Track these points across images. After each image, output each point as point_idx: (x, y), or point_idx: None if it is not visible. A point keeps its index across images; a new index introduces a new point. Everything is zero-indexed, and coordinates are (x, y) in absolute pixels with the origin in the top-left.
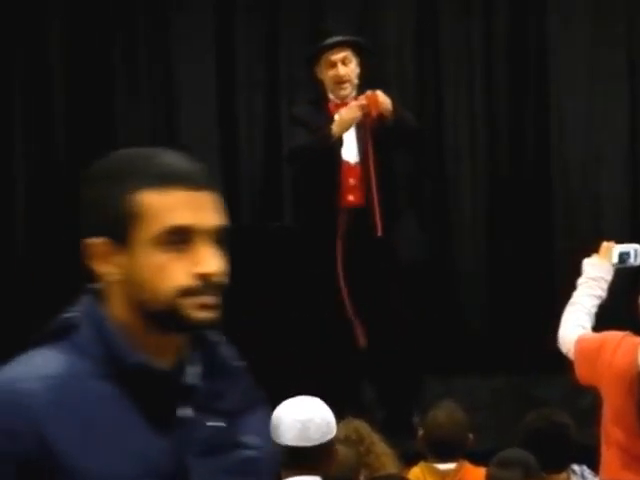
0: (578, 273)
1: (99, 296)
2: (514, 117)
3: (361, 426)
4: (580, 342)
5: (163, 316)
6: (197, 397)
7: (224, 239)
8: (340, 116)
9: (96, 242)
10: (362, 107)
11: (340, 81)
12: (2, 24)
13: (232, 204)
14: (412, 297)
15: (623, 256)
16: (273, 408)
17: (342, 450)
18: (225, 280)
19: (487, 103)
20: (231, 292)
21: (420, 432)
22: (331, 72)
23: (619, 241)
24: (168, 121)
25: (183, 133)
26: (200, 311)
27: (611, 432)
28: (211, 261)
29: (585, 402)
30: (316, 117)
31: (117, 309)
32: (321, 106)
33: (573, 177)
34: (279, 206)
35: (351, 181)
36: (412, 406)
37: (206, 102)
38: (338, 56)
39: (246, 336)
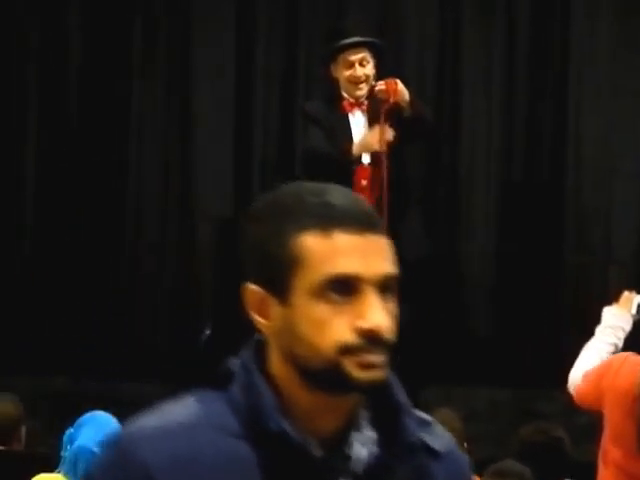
0: (586, 288)
1: (259, 346)
2: (531, 124)
3: None
4: (586, 372)
5: (322, 375)
6: (362, 469)
7: (393, 290)
8: (365, 140)
9: (253, 289)
10: (380, 92)
11: (357, 81)
12: (19, 8)
13: (245, 193)
14: (416, 304)
15: None
16: None
17: None
18: (393, 336)
19: (505, 109)
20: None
21: None
22: (348, 72)
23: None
24: (183, 112)
25: (198, 121)
26: (364, 371)
27: (609, 451)
28: (378, 315)
29: (583, 419)
30: (329, 115)
31: (274, 363)
32: (335, 104)
33: (586, 189)
34: None
35: (363, 182)
36: None
37: (223, 93)
38: (357, 57)
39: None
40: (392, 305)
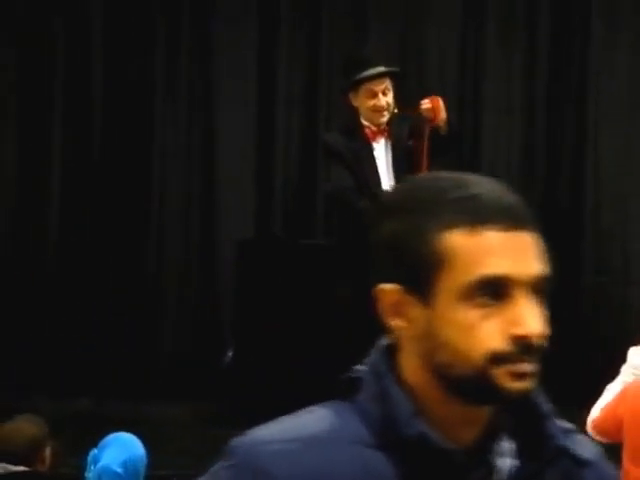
0: (604, 309)
1: (390, 351)
2: (552, 145)
3: None
4: (601, 406)
5: (468, 384)
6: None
7: (544, 292)
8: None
9: (389, 289)
10: (426, 110)
11: (381, 110)
12: (46, 36)
13: (265, 218)
14: None
15: None
16: None
17: None
18: (546, 343)
19: (525, 129)
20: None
21: None
22: (372, 102)
23: None
24: (205, 135)
25: (220, 145)
26: (515, 381)
27: (631, 471)
28: (531, 320)
29: None
30: (351, 145)
31: (409, 369)
32: (355, 133)
33: (606, 211)
34: (311, 223)
35: None
36: None
37: (244, 116)
38: (380, 87)
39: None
40: (543, 308)
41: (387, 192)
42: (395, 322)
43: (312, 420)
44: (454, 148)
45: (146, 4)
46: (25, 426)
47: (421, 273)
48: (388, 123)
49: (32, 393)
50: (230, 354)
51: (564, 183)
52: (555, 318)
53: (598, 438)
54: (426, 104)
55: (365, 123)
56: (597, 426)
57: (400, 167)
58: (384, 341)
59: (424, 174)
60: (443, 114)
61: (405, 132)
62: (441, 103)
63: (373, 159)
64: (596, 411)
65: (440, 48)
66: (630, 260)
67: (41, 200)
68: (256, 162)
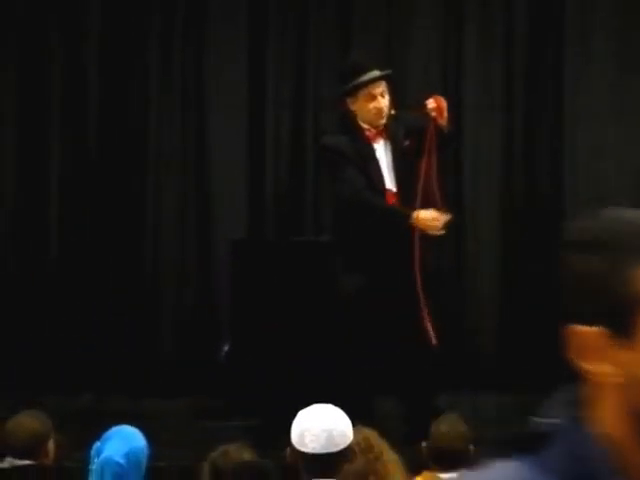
0: None
1: (581, 400)
2: (530, 143)
3: (371, 434)
4: None
5: None
6: None
7: None
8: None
9: (588, 331)
10: (432, 110)
11: (381, 112)
12: (39, 45)
13: (257, 219)
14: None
15: None
16: (293, 415)
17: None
18: None
19: (505, 133)
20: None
21: (424, 443)
22: (371, 104)
23: None
24: (197, 138)
25: (212, 147)
26: None
27: None
28: None
29: None
30: (354, 145)
31: (607, 420)
32: (355, 135)
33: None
34: (302, 221)
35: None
36: (431, 414)
37: (236, 119)
38: (378, 90)
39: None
40: None
41: (576, 225)
42: (596, 367)
43: (496, 476)
44: (451, 147)
45: (141, 8)
46: (27, 421)
47: (625, 315)
48: (385, 125)
49: (36, 390)
50: (226, 349)
51: (543, 181)
52: (539, 302)
53: None
54: (431, 103)
55: (364, 126)
56: None
57: (400, 167)
58: (572, 389)
59: (608, 210)
60: (446, 113)
61: (401, 133)
62: (444, 103)
63: (376, 159)
64: None
65: (424, 50)
66: None
67: (39, 200)
68: (248, 163)
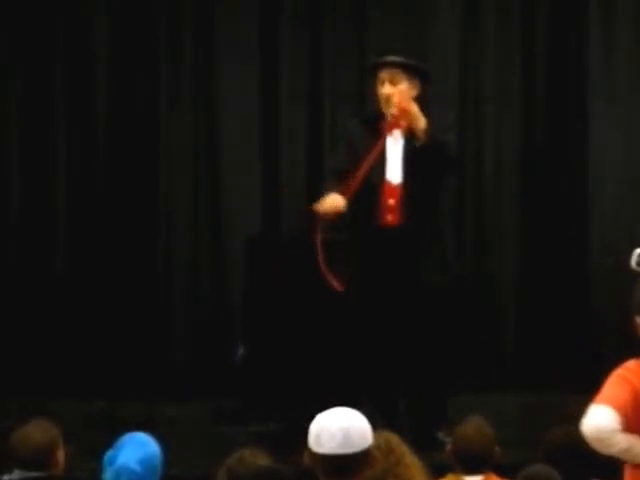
0: (612, 290)
1: None
2: (552, 135)
3: (392, 437)
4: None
5: None
6: None
7: None
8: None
9: None
10: (392, 116)
11: (386, 99)
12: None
13: (273, 218)
14: (445, 315)
15: None
16: (311, 420)
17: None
18: None
19: (525, 116)
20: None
21: (449, 445)
22: (380, 90)
23: None
24: (210, 135)
25: (225, 149)
26: None
27: None
28: None
29: None
30: (366, 134)
31: None
32: (374, 121)
33: (609, 194)
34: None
35: (390, 201)
36: (437, 421)
37: (248, 116)
38: (386, 76)
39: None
40: None
41: None
42: None
43: None
44: (446, 166)
45: (149, 8)
46: (35, 431)
47: None
48: (404, 118)
49: (47, 398)
50: (241, 352)
51: (567, 170)
52: (565, 302)
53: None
54: (392, 110)
55: (386, 113)
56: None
57: (411, 164)
58: None
59: None
60: (414, 118)
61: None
62: (411, 108)
63: (383, 150)
64: None
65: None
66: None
67: (48, 203)
68: (261, 160)
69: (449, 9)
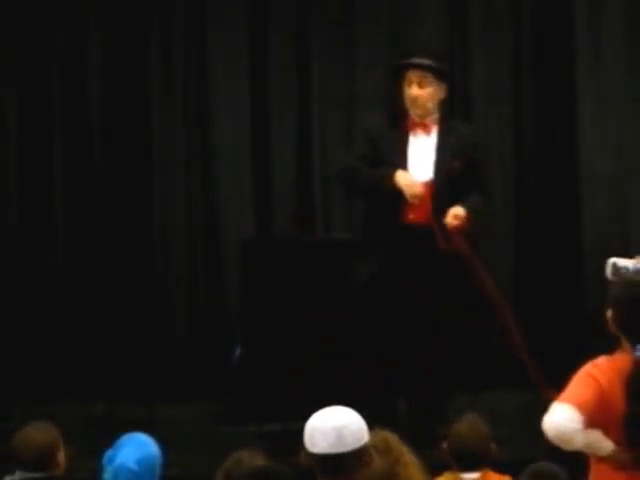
0: (606, 291)
1: None
2: (541, 136)
3: (389, 436)
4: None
5: None
6: None
7: None
8: (408, 187)
9: None
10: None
11: (414, 101)
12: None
13: (265, 219)
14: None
15: None
16: (306, 419)
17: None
18: None
19: (514, 117)
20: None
21: (445, 444)
22: (407, 90)
23: None
24: (204, 138)
25: (217, 147)
26: None
27: None
28: None
29: None
30: (389, 133)
31: None
32: (398, 120)
33: (601, 193)
34: (310, 221)
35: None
36: (434, 419)
37: (239, 117)
38: (414, 77)
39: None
40: None
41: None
42: None
43: None
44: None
45: (140, 24)
46: (36, 433)
47: None
48: (434, 120)
49: (47, 399)
50: (239, 352)
51: (557, 172)
52: (560, 300)
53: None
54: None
55: (411, 113)
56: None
57: (441, 164)
58: None
59: None
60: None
61: (453, 147)
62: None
63: (405, 149)
64: None
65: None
66: (629, 243)
67: (46, 206)
68: (254, 161)
69: (436, 9)
